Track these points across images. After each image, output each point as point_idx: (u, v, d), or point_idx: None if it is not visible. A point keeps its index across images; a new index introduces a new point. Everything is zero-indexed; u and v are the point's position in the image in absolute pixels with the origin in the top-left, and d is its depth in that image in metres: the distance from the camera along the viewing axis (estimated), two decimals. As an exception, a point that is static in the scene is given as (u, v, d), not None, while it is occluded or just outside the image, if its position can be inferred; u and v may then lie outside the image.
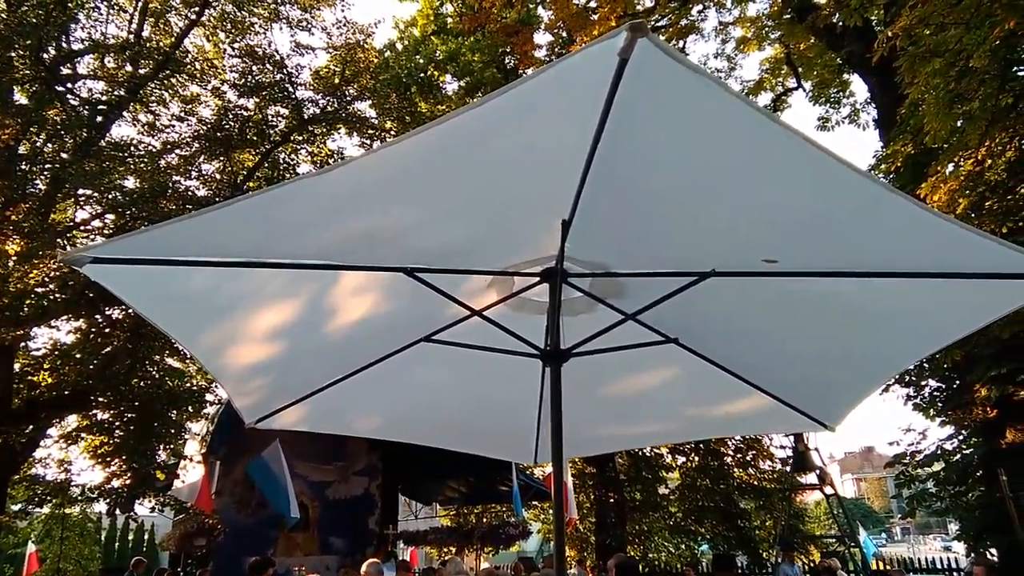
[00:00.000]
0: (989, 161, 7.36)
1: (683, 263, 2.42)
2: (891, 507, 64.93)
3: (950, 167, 7.78)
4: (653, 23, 16.18)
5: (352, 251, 2.31)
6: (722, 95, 1.55)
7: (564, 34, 17.10)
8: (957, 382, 12.03)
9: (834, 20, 11.53)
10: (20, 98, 11.10)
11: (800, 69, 18.20)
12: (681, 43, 17.05)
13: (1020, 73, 7.46)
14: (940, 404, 12.63)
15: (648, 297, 2.54)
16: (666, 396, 3.57)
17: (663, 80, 1.51)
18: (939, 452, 12.52)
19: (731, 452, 18.22)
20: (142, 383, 11.54)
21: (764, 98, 19.06)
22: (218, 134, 12.07)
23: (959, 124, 7.46)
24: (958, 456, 12.21)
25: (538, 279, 2.60)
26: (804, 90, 18.64)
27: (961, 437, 12.28)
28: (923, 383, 12.88)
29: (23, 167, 10.28)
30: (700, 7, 17.64)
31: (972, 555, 11.67)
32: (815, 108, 18.44)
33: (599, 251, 2.50)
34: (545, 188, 2.09)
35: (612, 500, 16.94)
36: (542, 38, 18.61)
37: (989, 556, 11.00)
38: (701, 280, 2.37)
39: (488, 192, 2.12)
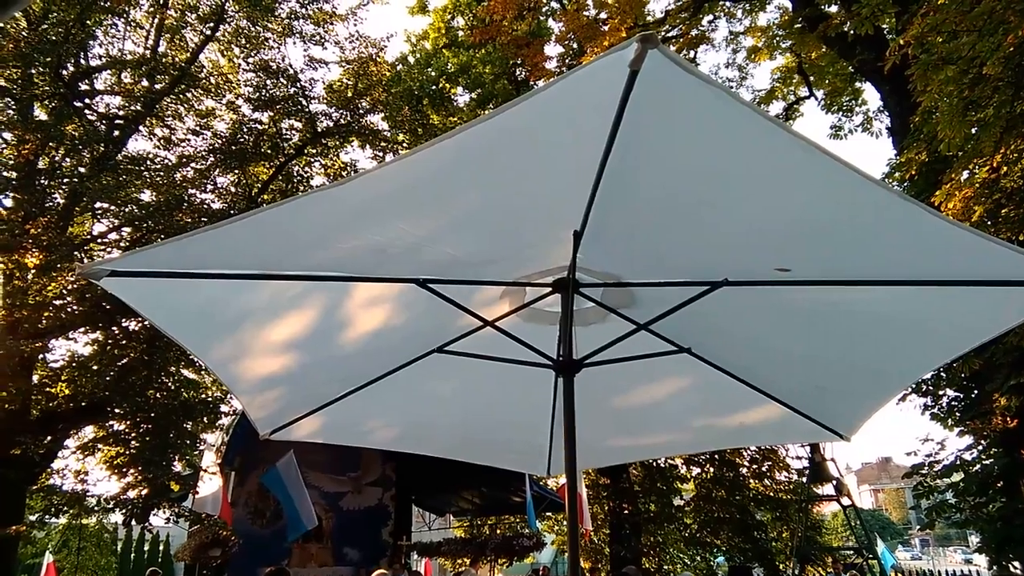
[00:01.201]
0: (1005, 168, 7.29)
1: (695, 272, 2.42)
2: (909, 518, 64.00)
3: (965, 174, 7.70)
4: (663, 34, 16.21)
5: (365, 262, 2.32)
6: (732, 105, 1.55)
7: (575, 45, 17.17)
8: (975, 391, 11.86)
9: (845, 29, 11.48)
10: (40, 114, 11.29)
11: (812, 78, 18.13)
12: (692, 53, 17.06)
13: (1035, 80, 7.39)
14: (958, 414, 12.44)
15: (660, 307, 2.54)
16: (679, 406, 3.55)
17: (673, 91, 1.51)
18: (958, 462, 12.32)
19: (746, 463, 18.06)
20: (158, 394, 11.62)
21: (776, 107, 19.01)
22: (233, 147, 12.20)
23: (973, 131, 7.39)
24: (978, 466, 12.00)
25: (550, 290, 2.60)
26: (816, 99, 18.57)
27: (980, 447, 12.08)
28: (940, 392, 12.71)
29: (42, 181, 10.44)
30: (711, 17, 17.67)
31: (994, 568, 11.46)
32: (827, 116, 18.36)
33: (611, 261, 2.50)
34: (557, 199, 2.10)
35: (626, 511, 16.83)
36: (553, 50, 18.71)
37: (1012, 569, 10.80)
38: (713, 289, 2.37)
39: (500, 203, 2.13)
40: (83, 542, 19.61)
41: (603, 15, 16.21)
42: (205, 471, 11.23)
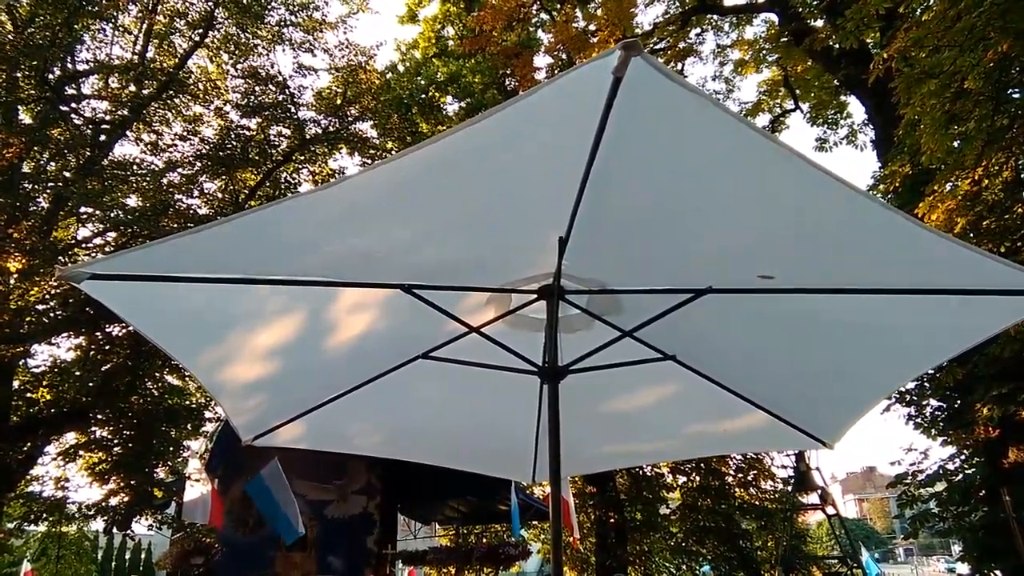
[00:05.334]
0: (986, 181, 7.39)
1: (680, 280, 2.43)
2: (893, 528, 64.32)
3: (947, 186, 7.81)
4: (652, 46, 16.34)
5: (350, 268, 2.32)
6: (715, 113, 1.57)
7: (564, 57, 17.25)
8: (958, 401, 11.98)
9: (831, 43, 11.64)
10: (25, 118, 11.19)
11: (798, 91, 18.33)
12: (680, 65, 17.20)
13: (1015, 95, 7.52)
14: (942, 424, 12.55)
15: (645, 314, 2.55)
16: (664, 413, 3.56)
17: (657, 98, 1.53)
18: (941, 472, 12.42)
19: (732, 472, 18.10)
20: (141, 400, 11.51)
21: (762, 119, 19.18)
22: (220, 153, 12.15)
23: (955, 144, 7.50)
24: (960, 476, 12.11)
25: (535, 296, 2.60)
26: (802, 111, 18.78)
27: (963, 457, 12.19)
28: (924, 402, 12.82)
29: (26, 185, 10.35)
30: (698, 30, 17.85)
31: (976, 577, 11.55)
32: (813, 129, 18.57)
33: (596, 268, 2.50)
34: (542, 205, 2.10)
35: (613, 520, 16.81)
36: (542, 60, 18.83)
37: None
38: (698, 296, 2.38)
39: (485, 209, 2.13)
40: (63, 550, 19.33)
41: (592, 27, 16.33)
42: (190, 478, 11.10)
